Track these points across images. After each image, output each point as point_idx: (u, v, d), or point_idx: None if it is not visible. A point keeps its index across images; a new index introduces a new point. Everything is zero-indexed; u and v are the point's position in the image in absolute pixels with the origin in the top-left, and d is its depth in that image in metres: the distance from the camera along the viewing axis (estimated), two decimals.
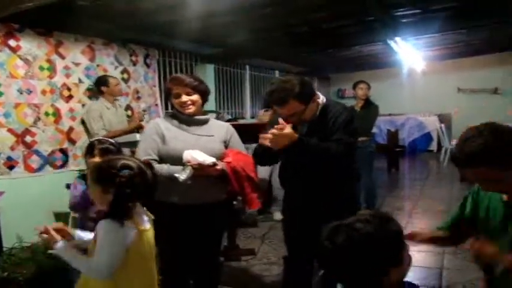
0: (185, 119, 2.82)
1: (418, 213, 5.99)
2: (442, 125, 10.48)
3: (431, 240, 2.01)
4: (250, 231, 5.22)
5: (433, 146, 11.63)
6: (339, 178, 2.68)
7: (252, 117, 9.17)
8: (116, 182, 1.85)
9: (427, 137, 11.61)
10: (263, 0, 4.53)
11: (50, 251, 1.95)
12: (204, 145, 2.73)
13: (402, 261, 1.38)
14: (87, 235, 2.11)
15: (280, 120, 2.48)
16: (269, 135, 2.43)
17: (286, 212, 2.97)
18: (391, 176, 9.09)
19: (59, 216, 4.65)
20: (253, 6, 4.65)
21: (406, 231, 4.79)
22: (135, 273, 1.94)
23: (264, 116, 5.71)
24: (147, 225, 2.02)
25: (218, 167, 2.67)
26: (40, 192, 4.63)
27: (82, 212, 2.89)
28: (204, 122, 2.88)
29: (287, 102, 2.50)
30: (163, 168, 2.61)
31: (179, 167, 2.58)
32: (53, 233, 1.97)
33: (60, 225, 2.07)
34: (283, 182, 2.94)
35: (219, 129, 2.91)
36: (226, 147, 2.87)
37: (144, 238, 1.97)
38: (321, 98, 2.73)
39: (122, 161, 1.92)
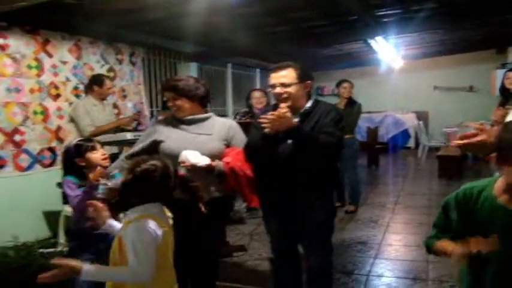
0: (182, 118, 2.88)
1: (401, 208, 6.14)
2: (420, 122, 10.67)
3: None
4: (239, 228, 5.25)
5: (411, 143, 11.80)
6: (321, 175, 2.75)
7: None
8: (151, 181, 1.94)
9: (405, 134, 11.75)
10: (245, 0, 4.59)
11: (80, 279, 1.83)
12: (201, 144, 2.77)
13: None
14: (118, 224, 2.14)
15: (282, 104, 2.64)
16: (271, 117, 2.51)
17: (265, 208, 2.98)
18: (372, 173, 9.22)
19: (49, 215, 4.65)
20: (236, 5, 4.69)
21: (389, 226, 4.87)
22: (165, 271, 1.98)
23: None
24: (169, 224, 2.06)
25: (213, 166, 2.71)
26: (30, 191, 4.62)
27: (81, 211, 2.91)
28: (202, 120, 2.90)
29: (287, 68, 2.78)
30: None
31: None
32: (69, 262, 1.82)
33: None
34: (262, 175, 2.85)
35: (220, 128, 2.91)
36: (228, 145, 2.88)
37: (168, 237, 2.01)
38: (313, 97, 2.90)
39: (152, 161, 2.00)
